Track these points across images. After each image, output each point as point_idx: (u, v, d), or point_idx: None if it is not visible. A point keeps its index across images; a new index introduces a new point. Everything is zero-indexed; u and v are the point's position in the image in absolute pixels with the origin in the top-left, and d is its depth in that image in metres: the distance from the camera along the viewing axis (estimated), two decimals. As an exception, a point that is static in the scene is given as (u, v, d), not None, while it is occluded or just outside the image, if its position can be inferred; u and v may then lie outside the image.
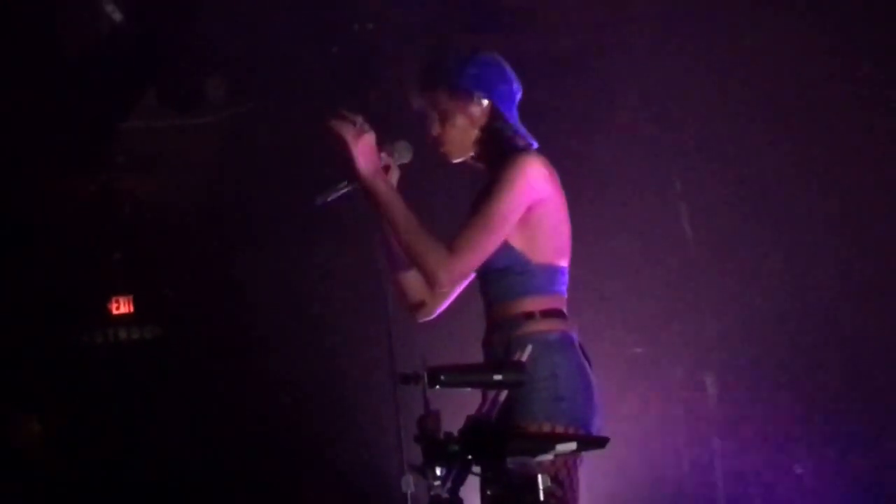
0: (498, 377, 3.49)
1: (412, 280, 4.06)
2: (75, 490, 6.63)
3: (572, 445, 3.42)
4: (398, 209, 3.87)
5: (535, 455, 3.40)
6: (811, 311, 6.25)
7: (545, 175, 3.90)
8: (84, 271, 6.85)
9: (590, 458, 3.78)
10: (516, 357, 3.71)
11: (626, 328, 6.40)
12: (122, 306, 6.88)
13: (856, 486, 6.15)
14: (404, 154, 4.00)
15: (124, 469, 6.61)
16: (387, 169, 3.96)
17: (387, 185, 3.89)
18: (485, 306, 4.02)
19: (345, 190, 3.93)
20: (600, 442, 3.46)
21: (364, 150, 3.88)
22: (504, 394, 3.65)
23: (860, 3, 6.06)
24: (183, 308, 6.89)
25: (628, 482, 6.18)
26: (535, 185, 3.88)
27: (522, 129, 4.02)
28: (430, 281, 3.87)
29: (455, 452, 3.37)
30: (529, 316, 3.90)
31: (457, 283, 3.94)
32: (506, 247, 3.90)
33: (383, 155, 3.96)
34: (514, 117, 4.02)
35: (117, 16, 6.55)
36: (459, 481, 3.45)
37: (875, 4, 6.02)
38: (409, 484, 3.49)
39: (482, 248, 3.85)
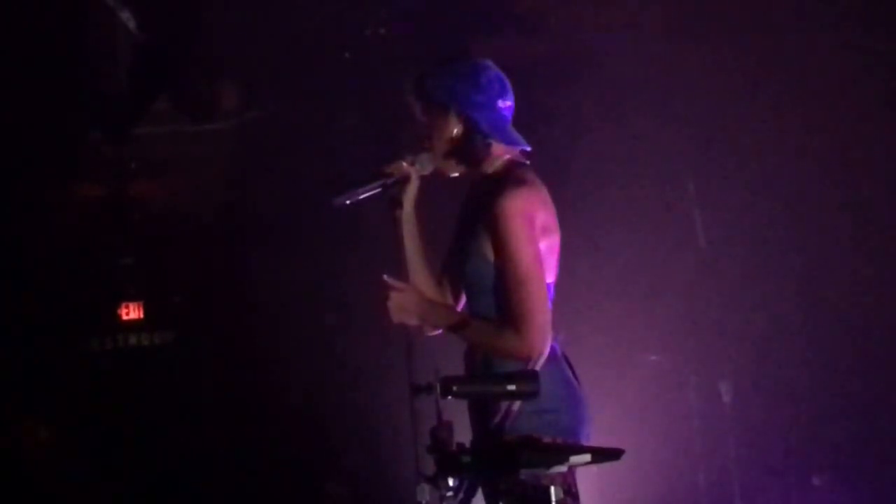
0: (511, 387, 3.47)
1: None
2: (83, 496, 6.62)
3: (587, 457, 3.40)
4: (462, 325, 3.85)
5: (549, 467, 3.38)
6: (828, 320, 6.22)
7: (534, 203, 3.87)
8: (94, 277, 6.84)
9: (605, 468, 3.75)
10: (529, 367, 3.71)
11: (641, 336, 6.37)
12: (132, 312, 6.87)
13: (874, 498, 6.11)
14: (426, 165, 3.99)
15: (134, 475, 6.60)
16: (407, 179, 3.95)
17: (443, 314, 3.87)
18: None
19: (364, 194, 3.92)
20: (615, 454, 3.43)
21: (407, 314, 3.84)
22: (517, 404, 3.63)
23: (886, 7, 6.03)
24: (193, 314, 6.88)
25: (643, 492, 6.15)
26: (531, 218, 3.84)
27: (508, 136, 3.98)
28: (531, 362, 3.80)
29: (467, 464, 3.35)
30: None
31: (547, 342, 3.83)
32: (492, 265, 3.88)
33: (405, 165, 3.95)
34: (494, 127, 3.96)
35: (132, 24, 6.56)
36: (471, 492, 3.43)
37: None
38: (425, 493, 3.47)
39: (536, 301, 3.80)
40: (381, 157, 4.05)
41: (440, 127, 3.97)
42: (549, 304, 3.85)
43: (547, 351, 3.81)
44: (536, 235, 3.84)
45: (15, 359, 6.55)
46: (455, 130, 3.97)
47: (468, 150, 3.98)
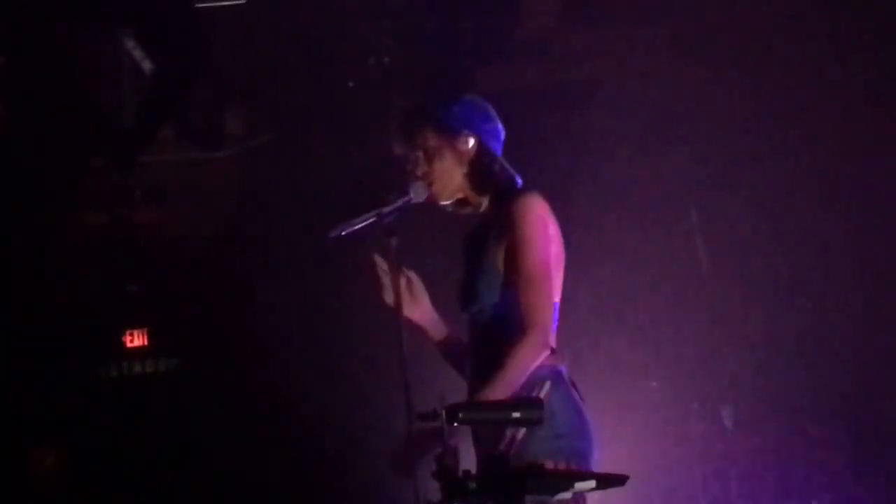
0: (516, 414, 3.48)
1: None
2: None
3: (591, 483, 3.40)
4: (495, 386, 3.81)
5: (554, 493, 3.38)
6: (830, 343, 6.23)
7: (546, 209, 3.95)
8: (99, 304, 6.86)
9: (607, 493, 3.76)
10: (534, 394, 3.72)
11: (643, 362, 6.38)
12: (136, 339, 6.88)
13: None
14: (420, 193, 4.05)
15: (140, 501, 6.60)
16: (401, 209, 4.00)
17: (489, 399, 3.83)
18: (471, 341, 4.03)
19: (360, 225, 3.96)
20: (620, 480, 3.44)
21: None
22: (522, 431, 3.65)
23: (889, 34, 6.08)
24: (198, 341, 6.89)
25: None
26: (545, 221, 3.92)
27: (508, 166, 4.07)
28: (538, 356, 3.85)
29: (473, 490, 3.36)
30: None
31: (549, 340, 3.87)
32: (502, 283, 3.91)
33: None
34: (500, 155, 4.08)
35: (138, 53, 6.60)
36: (477, 519, 3.43)
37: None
38: (424, 518, 3.48)
39: (544, 300, 3.85)
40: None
41: (449, 151, 4.03)
42: (552, 308, 3.87)
43: (549, 347, 3.83)
44: (549, 239, 3.90)
45: (22, 386, 6.56)
46: (467, 156, 4.03)
47: (479, 175, 4.03)
